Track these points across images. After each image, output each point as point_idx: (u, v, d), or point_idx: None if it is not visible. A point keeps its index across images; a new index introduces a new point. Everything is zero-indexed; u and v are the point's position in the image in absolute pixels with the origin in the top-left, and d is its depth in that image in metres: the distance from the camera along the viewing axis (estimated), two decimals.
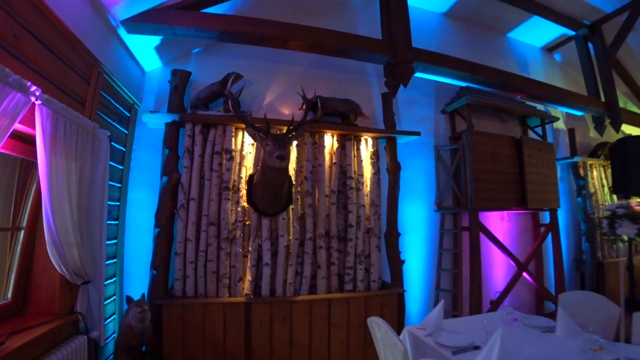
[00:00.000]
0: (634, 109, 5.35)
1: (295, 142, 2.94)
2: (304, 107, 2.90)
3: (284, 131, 2.61)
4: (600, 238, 4.39)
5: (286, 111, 3.28)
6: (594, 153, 4.82)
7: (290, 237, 2.87)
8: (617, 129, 4.33)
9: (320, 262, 2.89)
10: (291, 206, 2.90)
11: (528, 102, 4.23)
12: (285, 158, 2.45)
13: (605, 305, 2.22)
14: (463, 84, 3.69)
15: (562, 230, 4.51)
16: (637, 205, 2.79)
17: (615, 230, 2.78)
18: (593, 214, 4.44)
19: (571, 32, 4.69)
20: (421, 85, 3.80)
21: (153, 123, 2.84)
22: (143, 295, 2.40)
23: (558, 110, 4.66)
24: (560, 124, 4.85)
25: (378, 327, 1.96)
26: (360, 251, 3.02)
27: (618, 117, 4.34)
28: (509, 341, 1.80)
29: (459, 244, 3.50)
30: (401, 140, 3.36)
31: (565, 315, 2.00)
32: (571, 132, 4.63)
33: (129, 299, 2.33)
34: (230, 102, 2.58)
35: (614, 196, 4.59)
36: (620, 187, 3.75)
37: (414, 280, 3.44)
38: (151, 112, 2.73)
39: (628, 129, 5.19)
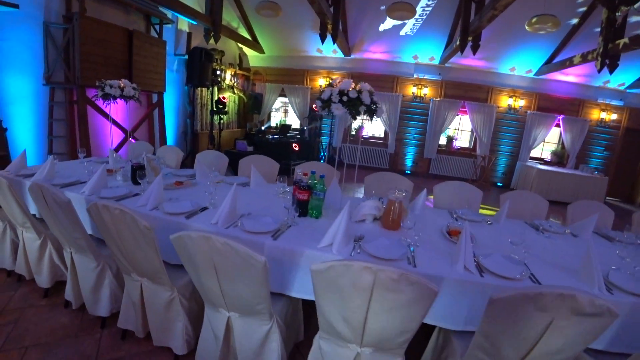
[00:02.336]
0: (244, 32, 7.91)
1: None
2: None
3: None
4: (198, 116, 6.87)
5: None
6: None
7: None
8: (216, 40, 6.46)
9: None
10: None
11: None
12: None
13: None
14: None
15: (175, 109, 6.57)
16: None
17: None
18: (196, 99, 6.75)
19: None
20: None
21: None
22: None
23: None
24: (185, 27, 6.54)
25: None
26: None
27: (218, 32, 6.45)
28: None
29: (72, 115, 4.58)
30: None
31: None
32: (189, 35, 6.45)
33: None
34: None
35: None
36: (188, 80, 6.10)
37: (25, 145, 4.22)
38: None
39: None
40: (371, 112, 2.20)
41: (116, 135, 5.34)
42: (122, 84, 3.23)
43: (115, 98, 3.22)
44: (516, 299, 1.21)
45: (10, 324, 2.21)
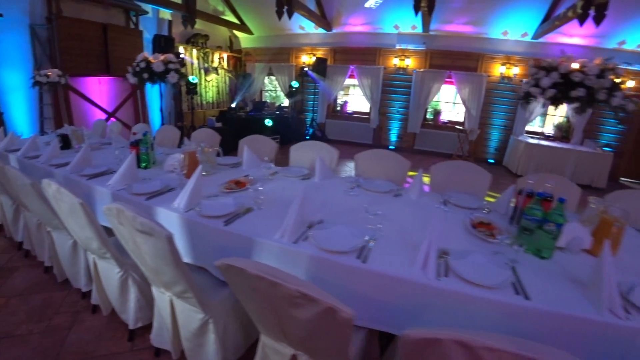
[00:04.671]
0: (230, 16, 8.85)
1: None
2: None
3: None
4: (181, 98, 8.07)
5: None
6: (189, 40, 8.10)
7: None
8: (192, 26, 7.45)
9: None
10: None
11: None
12: None
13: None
14: None
15: (163, 91, 7.80)
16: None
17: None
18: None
19: None
20: None
21: None
22: None
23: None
24: (167, 16, 7.66)
25: None
26: None
27: (193, 18, 7.45)
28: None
29: (57, 100, 5.94)
30: None
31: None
32: (169, 23, 7.58)
33: None
34: None
35: None
36: None
37: (22, 126, 5.62)
38: None
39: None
40: (160, 77, 3.10)
41: (98, 116, 6.67)
42: (49, 73, 4.36)
43: (44, 85, 4.38)
44: None
45: None
